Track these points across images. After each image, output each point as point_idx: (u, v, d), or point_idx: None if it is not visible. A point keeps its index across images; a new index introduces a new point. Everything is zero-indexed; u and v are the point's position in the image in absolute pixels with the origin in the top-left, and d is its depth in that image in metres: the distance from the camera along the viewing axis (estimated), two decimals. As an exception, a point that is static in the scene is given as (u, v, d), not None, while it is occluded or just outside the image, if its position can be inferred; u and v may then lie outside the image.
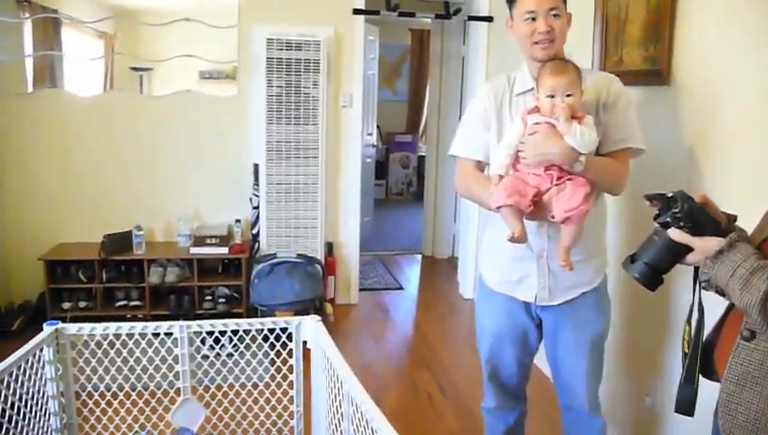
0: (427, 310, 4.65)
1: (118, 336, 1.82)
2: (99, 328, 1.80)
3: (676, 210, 1.27)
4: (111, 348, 1.83)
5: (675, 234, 1.28)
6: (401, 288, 5.06)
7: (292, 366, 1.94)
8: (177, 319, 3.61)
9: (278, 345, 1.92)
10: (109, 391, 1.89)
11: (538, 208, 1.78)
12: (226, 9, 4.08)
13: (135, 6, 4.03)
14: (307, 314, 3.43)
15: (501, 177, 1.82)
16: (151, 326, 1.84)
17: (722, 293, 1.23)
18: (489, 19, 4.40)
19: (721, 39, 2.09)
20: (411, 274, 5.53)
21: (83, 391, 1.87)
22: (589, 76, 1.90)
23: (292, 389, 1.96)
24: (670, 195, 1.30)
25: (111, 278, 3.87)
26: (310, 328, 1.88)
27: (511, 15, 1.92)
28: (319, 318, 1.90)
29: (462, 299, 4.80)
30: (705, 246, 1.24)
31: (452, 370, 3.57)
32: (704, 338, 1.37)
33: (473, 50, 4.64)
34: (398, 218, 7.59)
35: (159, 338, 1.85)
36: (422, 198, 6.38)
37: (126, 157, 4.12)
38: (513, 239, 1.80)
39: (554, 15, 1.81)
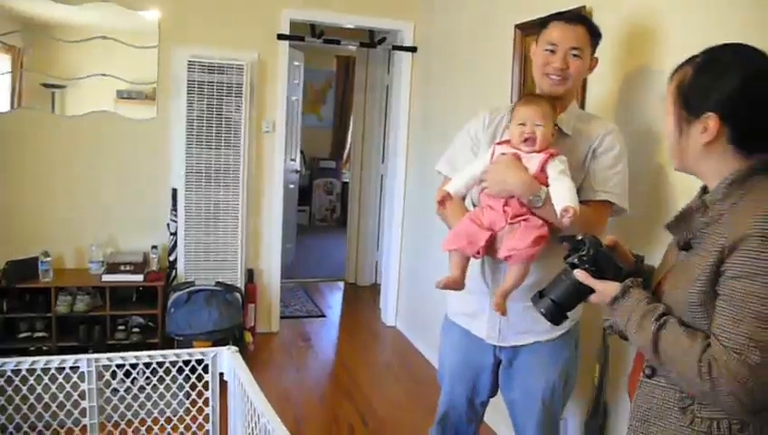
0: (350, 338, 4.61)
1: (17, 372, 1.69)
2: (-5, 363, 1.67)
3: (583, 253, 1.34)
4: (9, 385, 1.69)
5: (580, 275, 1.34)
6: (323, 316, 5.00)
7: (208, 399, 1.86)
8: (87, 351, 3.48)
9: (193, 377, 1.84)
10: (4, 431, 1.75)
11: (491, 248, 1.76)
12: (146, 29, 3.97)
13: (47, 21, 3.86)
14: (226, 343, 3.33)
15: (449, 195, 1.82)
16: (56, 360, 1.72)
17: (624, 337, 1.30)
18: (413, 49, 4.47)
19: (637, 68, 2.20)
20: (333, 301, 5.48)
21: (-24, 433, 1.73)
22: (592, 120, 1.91)
23: (207, 423, 1.88)
24: (579, 238, 1.37)
25: (14, 308, 3.63)
26: (226, 359, 1.81)
27: (537, 40, 1.89)
28: (236, 349, 1.83)
29: (384, 326, 4.79)
30: (604, 290, 1.31)
31: (374, 399, 3.54)
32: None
33: (397, 79, 4.71)
34: (321, 245, 7.54)
35: (64, 373, 1.73)
36: (345, 225, 6.37)
37: (34, 178, 3.90)
38: (444, 284, 1.79)
39: (574, 55, 1.80)
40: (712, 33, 1.87)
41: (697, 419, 1.20)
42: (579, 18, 1.86)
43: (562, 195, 1.67)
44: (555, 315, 1.43)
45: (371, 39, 4.91)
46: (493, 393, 2.08)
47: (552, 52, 1.81)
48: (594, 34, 1.86)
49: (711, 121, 1.17)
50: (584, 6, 2.42)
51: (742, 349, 1.09)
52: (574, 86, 1.88)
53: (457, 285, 1.81)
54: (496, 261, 1.83)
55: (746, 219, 1.12)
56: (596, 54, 1.89)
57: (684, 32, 1.99)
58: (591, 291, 1.35)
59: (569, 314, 1.44)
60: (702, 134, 1.19)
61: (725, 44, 1.22)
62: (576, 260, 1.35)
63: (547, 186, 1.71)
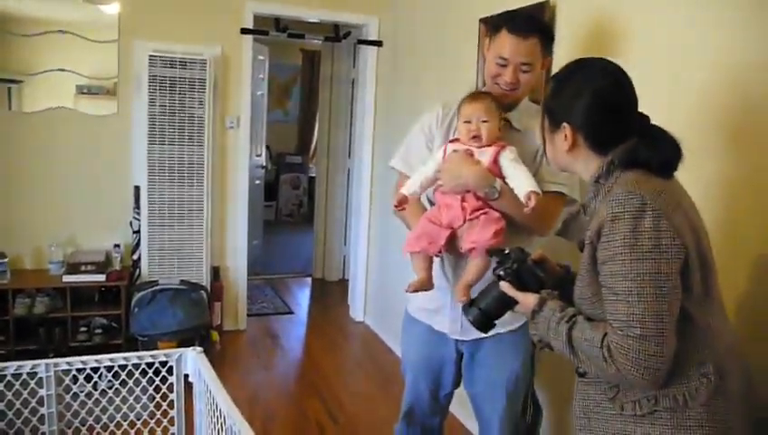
0: (318, 334, 4.58)
1: (-29, 379, 1.63)
2: (-53, 371, 1.61)
3: (508, 266, 1.46)
4: (-37, 392, 1.63)
5: (504, 286, 1.46)
6: (291, 312, 4.96)
7: (172, 401, 1.82)
8: (48, 354, 3.39)
9: (157, 380, 1.80)
10: (-40, 440, 1.70)
11: (451, 245, 1.78)
12: (105, 22, 3.88)
13: (3, 14, 3.73)
14: (192, 343, 3.29)
15: (405, 197, 1.84)
16: (11, 366, 1.66)
17: (550, 347, 1.38)
18: (379, 43, 4.45)
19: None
20: (301, 297, 5.44)
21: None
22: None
23: (173, 425, 1.84)
24: (507, 251, 1.49)
25: (-31, 311, 3.52)
26: (191, 360, 1.78)
27: (488, 41, 1.86)
28: (200, 349, 1.80)
29: (353, 322, 4.77)
30: (525, 301, 1.44)
31: (343, 396, 3.52)
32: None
33: (362, 73, 4.68)
34: (288, 241, 7.48)
35: (22, 378, 1.68)
36: (312, 220, 6.33)
37: (-11, 177, 3.79)
38: (414, 287, 1.80)
39: (524, 71, 1.78)
40: (678, 28, 1.90)
41: (625, 404, 1.29)
42: (531, 28, 1.80)
43: (523, 181, 1.70)
44: (483, 324, 1.55)
45: (336, 33, 4.87)
46: (456, 386, 2.10)
47: (503, 66, 1.80)
48: (549, 40, 1.86)
49: (567, 131, 1.36)
50: (547, 1, 2.43)
51: (623, 325, 1.19)
52: (524, 95, 1.89)
53: (426, 285, 1.83)
54: (456, 256, 1.85)
55: (602, 209, 1.26)
56: (552, 53, 1.90)
57: (649, 26, 2.01)
58: (516, 302, 1.46)
59: (496, 321, 1.55)
60: (564, 142, 1.37)
61: (578, 61, 1.41)
62: (502, 272, 1.46)
63: (502, 177, 1.73)
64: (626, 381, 1.23)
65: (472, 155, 1.76)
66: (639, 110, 1.36)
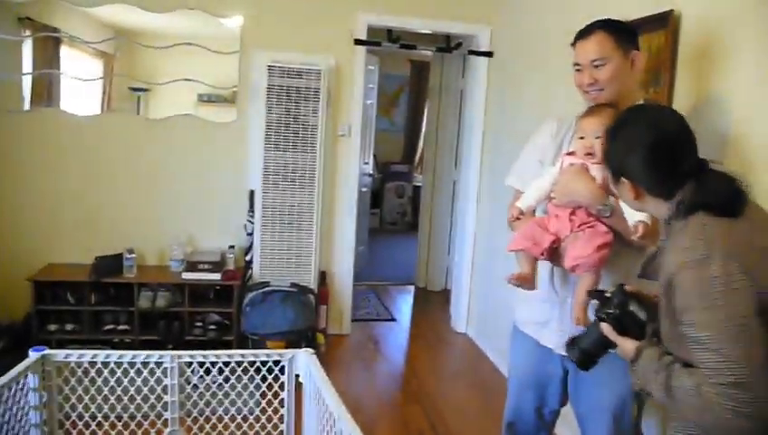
0: (420, 343, 4.60)
1: (106, 364, 1.77)
2: (87, 356, 1.75)
3: (609, 310, 1.46)
4: (99, 376, 1.77)
5: (606, 329, 1.46)
6: (394, 320, 5.00)
7: (283, 400, 1.89)
8: (166, 345, 3.60)
9: (270, 378, 1.87)
10: (94, 420, 1.83)
11: (556, 255, 1.77)
12: (228, 35, 4.09)
13: (136, 28, 4.03)
14: (299, 344, 3.40)
15: (522, 212, 1.84)
16: (141, 355, 1.78)
17: (650, 394, 1.35)
18: (489, 54, 4.42)
19: (722, 85, 2.10)
20: (404, 305, 5.48)
21: (68, 420, 1.81)
22: None
23: (282, 423, 1.91)
24: (608, 294, 1.49)
25: (100, 301, 3.80)
26: (303, 361, 1.83)
27: None
28: (312, 351, 1.86)
29: (454, 333, 4.75)
30: (623, 346, 1.43)
31: (443, 406, 3.51)
32: None
33: (471, 84, 4.67)
34: (391, 248, 7.55)
35: (149, 367, 1.80)
36: (416, 228, 6.36)
37: (121, 178, 4.08)
38: (515, 279, 1.79)
39: (597, 66, 1.78)
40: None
41: None
42: (593, 27, 1.82)
43: (632, 210, 1.64)
44: (583, 363, 1.58)
45: (447, 44, 4.89)
46: (563, 403, 2.05)
47: (579, 71, 1.82)
48: (619, 32, 1.80)
49: (626, 185, 1.38)
50: (671, 11, 2.33)
51: (713, 374, 1.16)
52: (621, 90, 1.81)
53: (528, 281, 1.81)
54: (564, 269, 1.82)
55: (670, 258, 1.26)
56: (637, 49, 1.83)
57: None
58: (616, 344, 1.46)
59: (597, 359, 1.56)
60: (628, 193, 1.40)
61: (630, 110, 1.45)
62: (603, 315, 1.47)
63: (615, 196, 1.67)
64: (727, 430, 1.18)
65: (587, 170, 1.73)
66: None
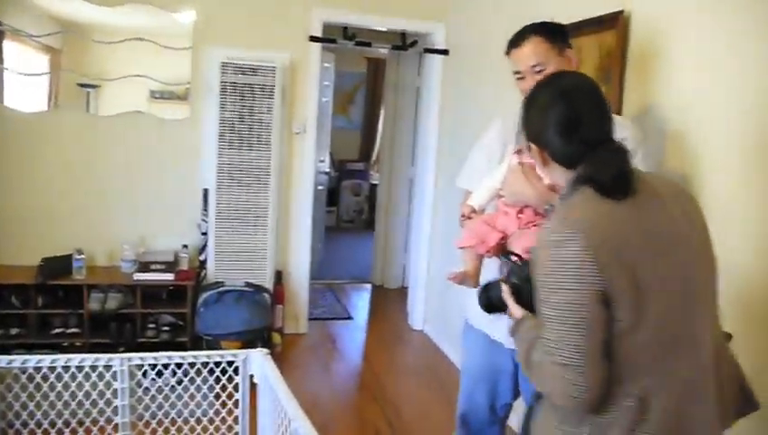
0: (377, 341, 4.60)
1: (52, 369, 1.71)
2: (32, 361, 1.69)
3: (514, 279, 1.48)
4: (45, 381, 1.71)
5: (504, 291, 1.48)
6: (350, 318, 5.00)
7: (237, 401, 1.86)
8: (118, 348, 3.52)
9: (224, 379, 1.84)
10: (39, 427, 1.77)
11: (503, 251, 1.78)
12: (181, 30, 4.01)
13: (85, 22, 3.91)
14: (254, 344, 3.36)
15: (474, 210, 1.85)
16: (89, 359, 1.73)
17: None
18: (445, 52, 4.45)
19: (669, 84, 2.16)
20: (361, 303, 5.47)
21: (11, 428, 1.75)
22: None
23: (237, 424, 1.89)
24: (521, 263, 1.52)
25: (48, 304, 3.68)
26: (257, 362, 1.81)
27: None
28: (267, 351, 1.84)
29: (411, 330, 4.77)
30: (512, 312, 1.46)
31: (400, 403, 3.52)
32: None
33: (427, 81, 4.69)
34: (348, 246, 7.54)
35: (98, 371, 1.75)
36: (373, 226, 6.35)
37: (69, 177, 3.96)
38: (456, 277, 1.80)
39: (539, 71, 1.79)
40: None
41: (564, 422, 1.30)
42: (525, 33, 1.85)
43: None
44: (487, 308, 1.62)
45: (403, 41, 4.90)
46: (515, 397, 2.08)
47: (522, 78, 1.85)
48: (552, 34, 1.84)
49: (534, 150, 1.39)
50: (621, 11, 2.38)
51: (549, 351, 1.22)
52: None
53: (470, 279, 1.83)
54: None
55: (539, 233, 1.31)
56: (570, 47, 1.87)
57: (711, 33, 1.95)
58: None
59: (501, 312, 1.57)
60: (537, 158, 1.41)
61: (545, 79, 1.45)
62: (506, 279, 1.51)
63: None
64: (560, 406, 1.26)
65: (534, 168, 1.74)
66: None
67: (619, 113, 2.34)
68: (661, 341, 1.24)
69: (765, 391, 1.47)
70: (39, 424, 1.78)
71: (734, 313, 1.69)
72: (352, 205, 8.85)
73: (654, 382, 1.23)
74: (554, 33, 1.84)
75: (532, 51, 1.81)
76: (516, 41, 1.85)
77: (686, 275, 1.27)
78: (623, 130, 1.87)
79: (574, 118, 1.32)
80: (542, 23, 1.87)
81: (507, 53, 1.89)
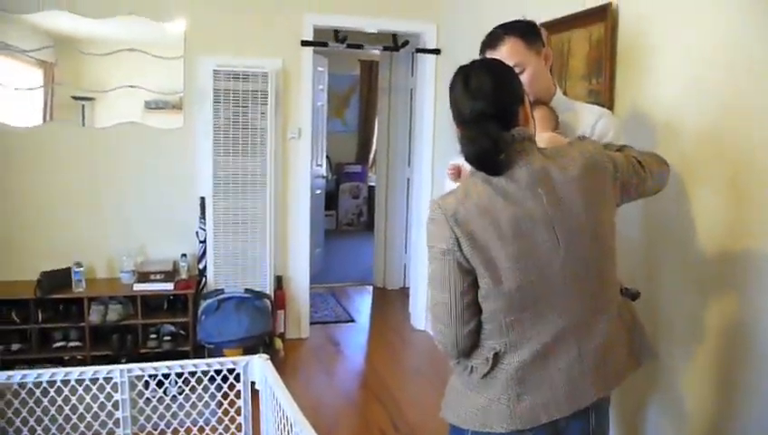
0: (379, 342, 4.59)
1: (52, 383, 1.71)
2: (31, 375, 1.68)
3: None
4: (45, 396, 1.71)
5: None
6: (352, 320, 4.99)
7: (240, 408, 1.86)
8: (120, 359, 3.51)
9: (225, 386, 1.84)
10: (41, 442, 1.77)
11: None
12: (172, 40, 4.01)
13: (77, 35, 3.92)
14: (256, 350, 3.36)
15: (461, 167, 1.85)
16: (89, 371, 1.73)
17: None
18: (437, 52, 4.45)
19: (660, 70, 2.15)
20: (362, 305, 5.47)
21: (13, 444, 1.75)
22: (579, 109, 1.92)
23: (240, 432, 1.88)
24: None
25: (48, 318, 3.68)
26: (258, 368, 1.81)
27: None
28: (267, 357, 1.83)
29: (413, 330, 4.76)
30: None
31: (404, 404, 3.51)
32: None
33: (421, 81, 4.69)
34: (348, 249, 7.53)
35: (98, 383, 1.75)
36: (372, 228, 6.35)
37: (66, 190, 3.96)
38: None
39: (519, 72, 1.74)
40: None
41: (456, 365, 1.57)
42: (500, 35, 1.83)
43: None
44: None
45: (395, 42, 4.90)
46: None
47: None
48: (527, 34, 1.82)
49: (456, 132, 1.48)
50: (609, 3, 2.38)
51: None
52: (543, 86, 1.85)
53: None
54: None
55: None
56: (544, 45, 1.86)
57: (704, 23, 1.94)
58: None
59: None
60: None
61: (460, 68, 1.53)
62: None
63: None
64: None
65: None
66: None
67: (611, 104, 2.35)
68: (515, 310, 1.40)
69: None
70: (40, 439, 1.77)
71: None
72: (351, 208, 8.85)
73: (509, 342, 1.41)
74: (528, 34, 1.83)
75: (510, 52, 1.79)
76: (491, 42, 1.83)
77: (547, 256, 1.38)
78: (591, 115, 1.89)
79: (452, 99, 1.48)
80: (514, 22, 1.85)
81: (481, 54, 1.86)
